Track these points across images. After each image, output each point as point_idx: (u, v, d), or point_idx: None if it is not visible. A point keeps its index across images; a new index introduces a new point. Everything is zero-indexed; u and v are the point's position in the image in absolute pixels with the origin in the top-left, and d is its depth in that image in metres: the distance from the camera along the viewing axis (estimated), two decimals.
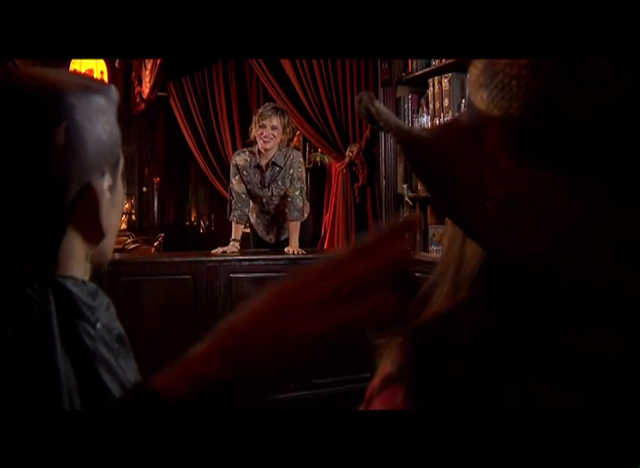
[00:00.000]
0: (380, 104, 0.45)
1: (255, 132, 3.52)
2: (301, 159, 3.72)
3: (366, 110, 0.45)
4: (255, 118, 3.53)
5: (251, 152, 3.60)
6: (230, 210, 3.63)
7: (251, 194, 3.67)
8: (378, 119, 0.44)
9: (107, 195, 0.66)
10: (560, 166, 0.37)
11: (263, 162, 3.57)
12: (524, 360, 0.38)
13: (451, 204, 0.39)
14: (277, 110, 3.51)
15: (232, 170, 3.64)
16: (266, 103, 3.68)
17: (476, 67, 0.44)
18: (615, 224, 0.35)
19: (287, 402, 3.29)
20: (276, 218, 3.81)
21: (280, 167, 3.58)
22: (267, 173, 3.59)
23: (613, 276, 0.34)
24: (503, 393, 0.38)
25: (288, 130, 3.55)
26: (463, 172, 0.40)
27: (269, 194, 3.65)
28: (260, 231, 3.91)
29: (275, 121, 3.45)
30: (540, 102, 0.38)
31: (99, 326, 0.63)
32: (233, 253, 3.39)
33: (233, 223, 3.59)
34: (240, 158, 3.62)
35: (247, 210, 3.65)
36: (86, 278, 0.68)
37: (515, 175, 0.38)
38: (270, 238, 3.90)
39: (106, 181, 0.66)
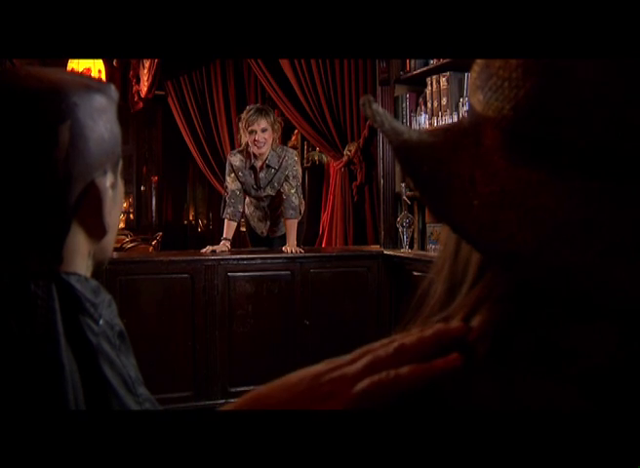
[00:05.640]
0: (377, 106, 0.45)
1: (245, 138, 3.49)
2: (297, 158, 3.68)
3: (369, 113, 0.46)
4: (241, 124, 3.49)
5: (246, 153, 3.56)
6: (224, 207, 3.59)
7: (246, 192, 3.65)
8: (373, 120, 0.45)
9: (110, 193, 0.67)
10: (549, 166, 0.38)
11: (258, 163, 3.55)
12: (523, 360, 0.39)
13: (440, 202, 0.40)
14: (261, 112, 3.46)
15: (228, 168, 3.61)
16: (247, 107, 3.60)
17: (474, 70, 0.45)
18: (601, 224, 0.36)
19: None
20: (271, 214, 3.78)
21: (275, 169, 3.55)
22: (262, 174, 3.56)
23: (598, 274, 0.35)
24: (502, 393, 0.39)
25: (277, 126, 3.52)
26: (457, 172, 0.40)
27: (264, 194, 3.64)
28: (255, 223, 3.86)
29: (263, 123, 3.42)
30: (531, 103, 0.39)
31: (101, 322, 0.64)
32: (223, 252, 3.35)
33: (225, 221, 3.54)
34: (235, 158, 3.59)
35: (240, 207, 3.60)
36: (88, 275, 0.69)
37: (506, 174, 0.39)
38: (262, 232, 3.84)
39: (108, 179, 0.67)
